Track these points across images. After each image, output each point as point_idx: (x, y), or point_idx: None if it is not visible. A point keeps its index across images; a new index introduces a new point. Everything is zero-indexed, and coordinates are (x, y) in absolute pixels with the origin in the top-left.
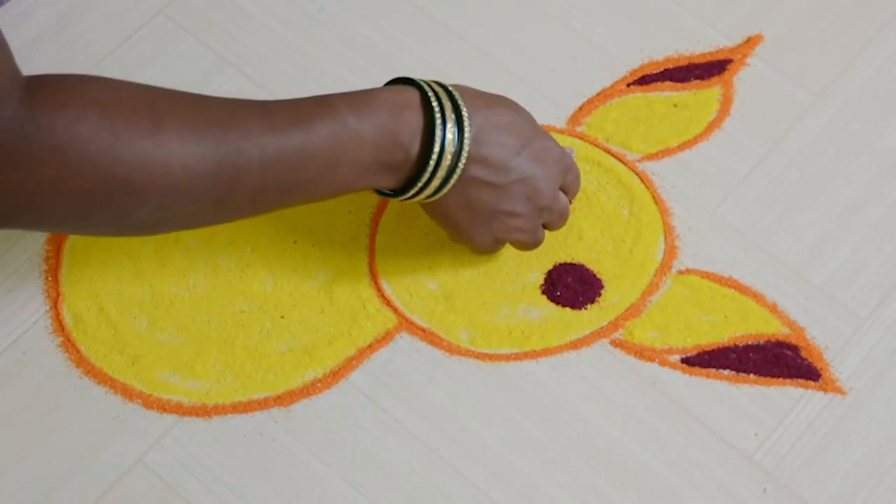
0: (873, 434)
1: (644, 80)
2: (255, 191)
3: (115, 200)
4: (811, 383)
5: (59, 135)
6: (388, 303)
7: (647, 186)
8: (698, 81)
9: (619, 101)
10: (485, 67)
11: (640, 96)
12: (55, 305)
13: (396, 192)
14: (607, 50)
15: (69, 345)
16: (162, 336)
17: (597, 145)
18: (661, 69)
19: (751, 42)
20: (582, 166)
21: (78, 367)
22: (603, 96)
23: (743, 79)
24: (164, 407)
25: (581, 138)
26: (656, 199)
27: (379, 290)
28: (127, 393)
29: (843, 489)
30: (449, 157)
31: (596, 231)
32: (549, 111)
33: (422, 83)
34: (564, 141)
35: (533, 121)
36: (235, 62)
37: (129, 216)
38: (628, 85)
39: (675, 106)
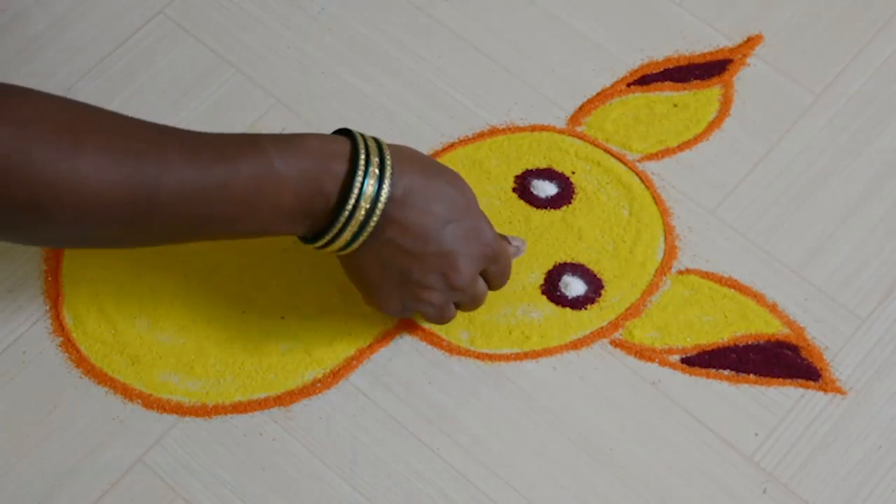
0: (873, 434)
1: (644, 80)
2: (169, 221)
3: (23, 218)
4: (811, 383)
5: None
6: None
7: (647, 186)
8: (698, 81)
9: (619, 101)
10: (485, 67)
11: (640, 96)
12: (55, 305)
13: (310, 240)
14: (607, 50)
15: (69, 345)
16: (162, 336)
17: (597, 145)
18: (661, 69)
19: (751, 42)
20: (582, 166)
21: (78, 367)
22: (603, 96)
23: (743, 79)
24: (164, 407)
25: (581, 138)
26: (656, 199)
27: None
28: (127, 393)
29: (843, 489)
30: (363, 210)
31: (596, 231)
32: (549, 111)
33: (357, 135)
34: (564, 141)
35: (473, 200)
36: (235, 62)
37: (37, 232)
38: (628, 85)
39: (675, 106)
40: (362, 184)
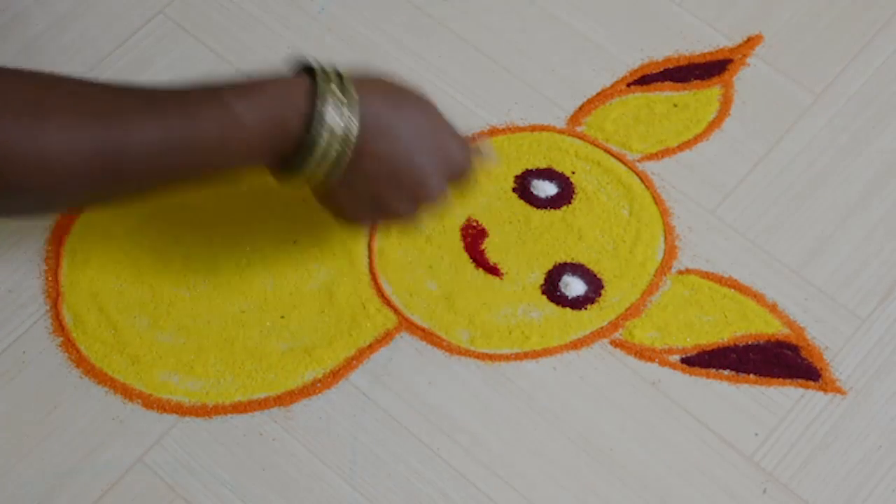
0: (873, 434)
1: (644, 80)
2: (139, 179)
3: None
4: (811, 383)
5: None
6: (388, 303)
7: (647, 186)
8: (698, 81)
9: (619, 101)
10: (485, 67)
11: (640, 96)
12: (55, 305)
13: (282, 176)
14: (607, 50)
15: (69, 345)
16: (162, 336)
17: (597, 145)
18: (661, 69)
19: (751, 42)
20: (582, 166)
21: (78, 367)
22: (603, 96)
23: (743, 79)
24: (164, 407)
25: (581, 138)
26: (656, 199)
27: (379, 290)
28: (127, 393)
29: (843, 489)
30: (335, 148)
31: (596, 231)
32: (549, 111)
33: (318, 70)
34: (564, 141)
35: (439, 116)
36: (235, 62)
37: (9, 205)
38: (628, 85)
39: (675, 106)
40: (330, 121)
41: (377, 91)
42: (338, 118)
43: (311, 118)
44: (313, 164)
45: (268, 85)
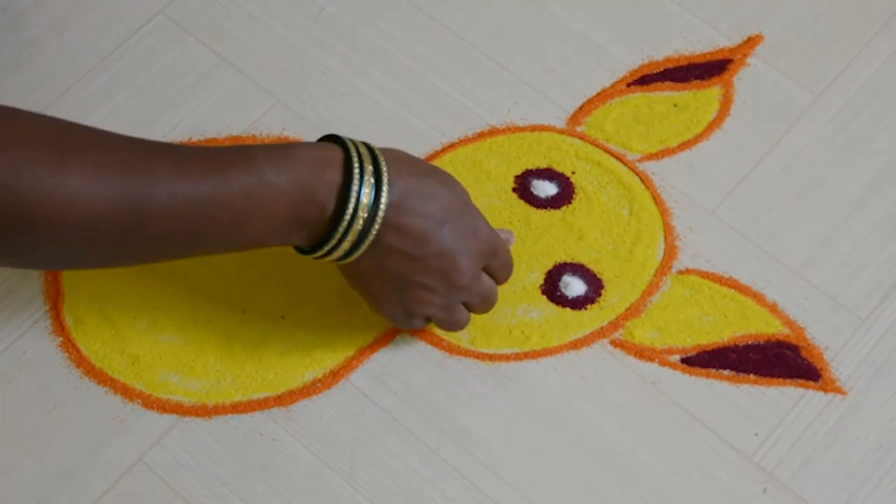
0: (873, 434)
1: (644, 80)
2: (161, 236)
3: (13, 237)
4: (811, 383)
5: None
6: None
7: (647, 186)
8: (698, 81)
9: (619, 101)
10: (485, 67)
11: (640, 96)
12: (55, 305)
13: (308, 251)
14: (607, 50)
15: (69, 345)
16: (162, 336)
17: (597, 145)
18: (661, 69)
19: (751, 42)
20: (582, 166)
21: (78, 367)
22: (603, 96)
23: (743, 79)
24: (164, 407)
25: (581, 138)
26: (656, 199)
27: None
28: (127, 393)
29: (843, 489)
30: (361, 220)
31: (596, 231)
32: (549, 111)
33: (348, 142)
34: (564, 141)
35: (466, 197)
36: (235, 62)
37: (27, 253)
38: (628, 85)
39: (675, 106)
40: (359, 192)
41: (405, 165)
42: (366, 190)
43: (341, 186)
44: (339, 233)
45: (298, 150)
